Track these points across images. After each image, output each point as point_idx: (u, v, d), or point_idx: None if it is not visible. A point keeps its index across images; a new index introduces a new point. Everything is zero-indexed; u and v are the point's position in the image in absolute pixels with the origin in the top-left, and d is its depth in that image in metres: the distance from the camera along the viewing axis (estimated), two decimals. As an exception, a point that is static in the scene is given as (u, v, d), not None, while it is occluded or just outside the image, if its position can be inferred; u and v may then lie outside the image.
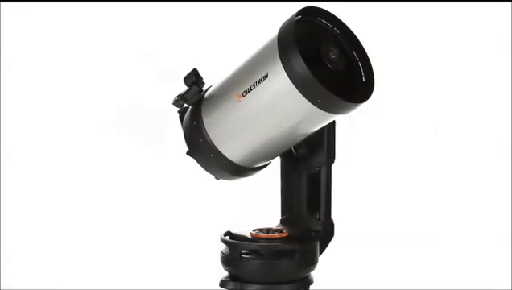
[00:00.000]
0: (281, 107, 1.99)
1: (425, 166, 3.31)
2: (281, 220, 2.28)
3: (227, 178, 2.23)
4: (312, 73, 1.90)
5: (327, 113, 1.97)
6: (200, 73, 2.15)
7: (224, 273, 2.19)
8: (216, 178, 2.24)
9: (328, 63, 1.99)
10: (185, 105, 2.20)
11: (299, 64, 1.90)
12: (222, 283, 2.18)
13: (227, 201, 3.05)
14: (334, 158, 2.18)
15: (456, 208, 3.27)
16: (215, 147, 2.15)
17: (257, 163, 2.19)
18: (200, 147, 2.16)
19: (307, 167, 2.20)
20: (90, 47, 3.33)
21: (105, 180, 3.31)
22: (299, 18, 1.97)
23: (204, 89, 2.18)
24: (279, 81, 1.96)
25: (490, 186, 3.29)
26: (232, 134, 2.12)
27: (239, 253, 2.14)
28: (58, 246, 3.24)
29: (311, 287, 2.19)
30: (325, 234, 2.19)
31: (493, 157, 3.32)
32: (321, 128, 2.11)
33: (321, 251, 2.20)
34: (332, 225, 2.20)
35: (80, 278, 3.15)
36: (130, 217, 3.28)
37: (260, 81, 2.00)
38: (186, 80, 2.17)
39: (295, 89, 1.94)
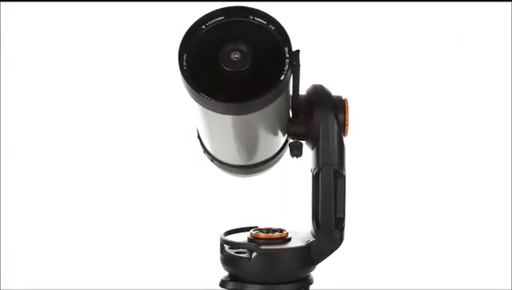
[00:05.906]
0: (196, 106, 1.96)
1: (424, 167, 3.31)
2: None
3: (233, 175, 2.23)
4: (182, 72, 1.87)
5: (211, 111, 1.89)
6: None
7: (224, 273, 2.20)
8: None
9: (223, 63, 1.89)
10: None
11: (180, 63, 1.88)
12: (222, 283, 2.18)
13: (270, 199, 3.03)
14: (336, 163, 2.07)
15: (455, 208, 3.28)
16: (203, 142, 2.17)
17: (240, 160, 2.14)
18: (201, 144, 2.19)
19: (313, 171, 2.13)
20: (90, 46, 3.33)
21: (107, 179, 3.32)
22: (222, 20, 1.92)
23: None
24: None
25: (490, 186, 3.29)
26: (200, 129, 2.12)
27: (221, 249, 2.14)
28: (58, 245, 3.25)
29: (311, 287, 2.19)
30: (320, 243, 2.09)
31: (494, 157, 3.32)
32: (316, 128, 2.07)
33: (315, 261, 2.11)
34: (334, 237, 2.09)
35: (80, 277, 3.15)
36: (131, 217, 3.28)
37: None
38: None
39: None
